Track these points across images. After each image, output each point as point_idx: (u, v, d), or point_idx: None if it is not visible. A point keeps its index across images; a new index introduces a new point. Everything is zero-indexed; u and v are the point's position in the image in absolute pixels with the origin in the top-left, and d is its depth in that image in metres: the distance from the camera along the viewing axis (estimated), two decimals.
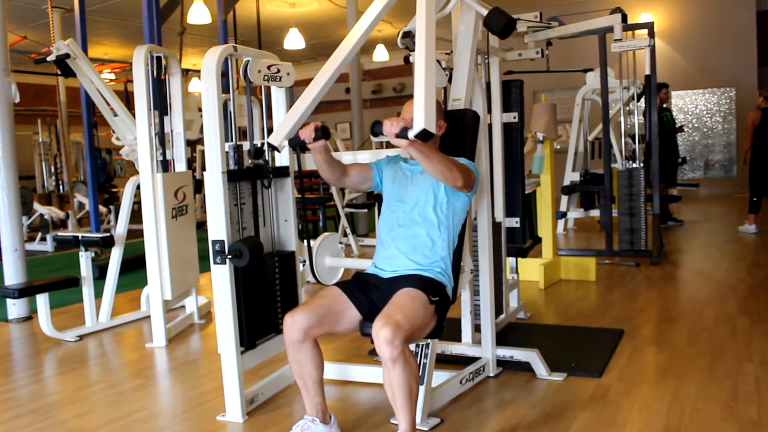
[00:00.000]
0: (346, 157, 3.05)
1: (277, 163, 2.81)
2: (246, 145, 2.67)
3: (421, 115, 1.96)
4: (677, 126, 7.68)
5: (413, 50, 2.52)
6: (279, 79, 2.67)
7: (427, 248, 2.32)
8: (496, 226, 3.23)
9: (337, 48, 2.38)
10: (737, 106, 10.67)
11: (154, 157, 3.52)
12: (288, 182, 2.80)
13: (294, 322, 2.16)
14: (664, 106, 7.65)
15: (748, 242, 6.29)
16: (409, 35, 2.55)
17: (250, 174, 2.64)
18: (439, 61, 2.90)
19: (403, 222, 2.37)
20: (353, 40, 2.40)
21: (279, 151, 2.57)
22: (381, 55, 10.81)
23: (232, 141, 2.99)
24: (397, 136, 2.03)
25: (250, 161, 2.65)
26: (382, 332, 1.95)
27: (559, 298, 4.43)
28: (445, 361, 2.94)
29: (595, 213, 7.03)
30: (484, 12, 2.75)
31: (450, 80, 2.94)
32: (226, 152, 2.49)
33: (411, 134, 1.98)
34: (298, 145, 2.29)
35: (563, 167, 7.31)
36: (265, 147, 2.61)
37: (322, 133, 2.24)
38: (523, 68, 5.66)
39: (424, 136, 1.96)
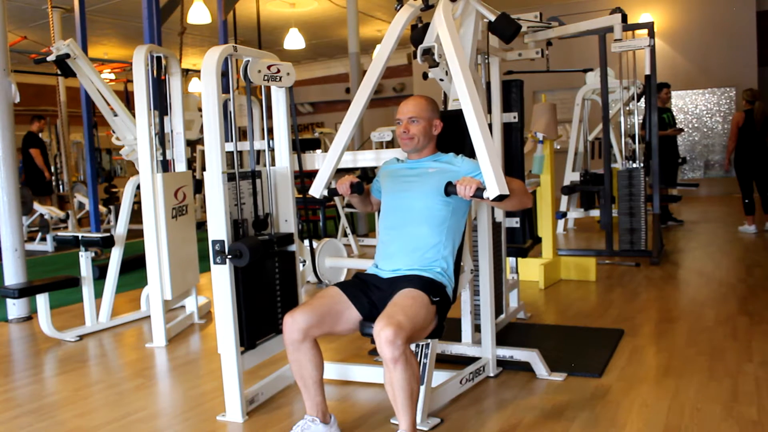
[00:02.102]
0: (347, 157, 3.05)
1: (278, 168, 2.81)
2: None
3: (494, 182, 2.18)
4: (677, 128, 7.67)
5: (432, 66, 2.60)
6: (279, 79, 2.67)
7: (428, 248, 2.32)
8: (496, 226, 3.23)
9: (360, 86, 2.62)
10: (737, 106, 10.66)
11: (154, 157, 3.52)
12: (288, 181, 2.80)
13: (294, 322, 2.16)
14: (666, 106, 7.65)
15: (748, 242, 6.29)
16: (428, 52, 2.59)
17: (258, 254, 2.50)
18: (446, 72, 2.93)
19: (403, 222, 2.37)
20: (373, 78, 2.64)
21: (322, 204, 2.96)
22: None
23: (234, 149, 3.03)
24: (474, 197, 2.22)
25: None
26: (383, 332, 1.95)
27: (559, 298, 4.43)
28: (445, 361, 2.94)
29: (595, 213, 7.03)
30: (491, 17, 2.78)
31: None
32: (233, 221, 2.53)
33: (487, 195, 2.20)
34: (336, 195, 2.59)
35: (563, 167, 7.31)
36: (268, 220, 2.73)
37: (357, 188, 2.49)
38: (523, 68, 5.66)
39: (500, 198, 2.19)
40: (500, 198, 2.17)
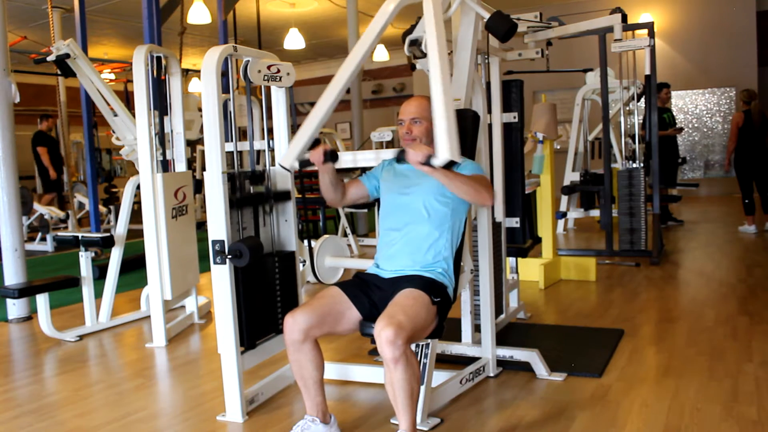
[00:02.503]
0: (346, 157, 3.05)
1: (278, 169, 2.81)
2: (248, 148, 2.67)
3: (445, 145, 2.00)
4: (677, 127, 7.67)
5: (419, 58, 2.56)
6: (279, 79, 2.67)
7: (429, 248, 2.32)
8: (496, 226, 3.23)
9: (342, 64, 2.39)
10: (737, 106, 10.64)
11: (154, 157, 3.52)
12: (288, 181, 2.80)
13: (294, 323, 2.16)
14: (666, 106, 7.65)
15: (748, 242, 6.29)
16: (415, 43, 2.56)
17: (252, 201, 2.64)
18: None
19: (404, 222, 2.37)
20: (358, 55, 2.39)
21: (290, 172, 2.68)
22: (381, 55, 10.81)
23: (234, 149, 3.01)
24: (422, 164, 2.06)
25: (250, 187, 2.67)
26: (384, 332, 1.95)
27: (559, 298, 4.43)
28: (445, 361, 2.94)
29: (595, 213, 7.03)
30: (486, 14, 2.75)
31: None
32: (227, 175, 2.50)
33: (436, 162, 2.03)
34: (307, 166, 2.37)
35: (563, 167, 7.31)
36: (266, 171, 2.66)
37: (331, 156, 2.31)
38: (523, 68, 5.66)
39: (449, 165, 2.02)
40: (450, 165, 2.02)
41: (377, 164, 2.62)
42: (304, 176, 2.87)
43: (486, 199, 2.26)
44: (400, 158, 2.14)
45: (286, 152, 2.39)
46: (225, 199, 2.42)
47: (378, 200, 2.58)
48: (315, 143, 2.32)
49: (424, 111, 2.42)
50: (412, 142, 2.16)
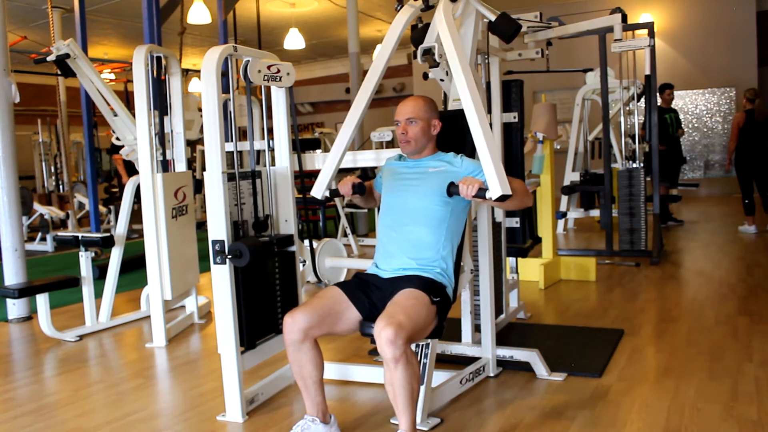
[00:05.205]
0: (346, 157, 3.05)
1: (278, 168, 2.81)
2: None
3: (496, 182, 2.17)
4: (680, 129, 7.68)
5: (433, 66, 2.60)
6: (279, 79, 2.67)
7: (428, 248, 2.32)
8: (496, 226, 3.23)
9: (361, 87, 2.62)
10: (737, 106, 10.65)
11: (154, 157, 3.52)
12: (288, 181, 2.80)
13: (294, 323, 2.16)
14: (670, 106, 7.65)
15: (748, 242, 6.29)
16: (429, 52, 2.59)
17: (258, 255, 2.49)
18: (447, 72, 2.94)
19: (403, 222, 2.37)
20: (374, 76, 2.64)
21: (323, 204, 2.96)
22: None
23: (234, 149, 3.02)
24: (476, 197, 2.21)
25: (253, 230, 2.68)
26: (384, 332, 1.95)
27: (559, 298, 4.43)
28: (445, 361, 2.94)
29: (595, 213, 7.03)
30: (491, 17, 2.77)
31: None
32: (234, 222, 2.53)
33: (492, 196, 2.18)
34: (338, 196, 2.60)
35: (563, 167, 7.31)
36: (269, 221, 2.73)
37: (358, 189, 2.51)
38: (523, 68, 5.66)
39: (502, 199, 2.17)
40: (503, 198, 2.17)
41: (377, 164, 2.65)
42: (305, 176, 2.88)
43: (529, 202, 2.39)
44: (453, 192, 2.28)
45: (316, 185, 2.61)
46: (225, 199, 2.42)
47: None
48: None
49: (420, 111, 2.42)
50: (467, 181, 2.24)
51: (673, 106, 7.85)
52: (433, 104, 2.48)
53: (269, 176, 2.75)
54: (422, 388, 2.32)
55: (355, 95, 2.65)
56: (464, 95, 2.33)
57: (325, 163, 2.63)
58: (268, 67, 2.61)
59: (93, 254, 4.07)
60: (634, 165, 5.62)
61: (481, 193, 2.19)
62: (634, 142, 6.02)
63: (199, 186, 6.50)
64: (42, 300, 3.66)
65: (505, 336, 3.41)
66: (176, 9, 6.48)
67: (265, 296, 2.65)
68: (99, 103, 4.34)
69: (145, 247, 3.51)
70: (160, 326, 3.62)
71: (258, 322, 2.60)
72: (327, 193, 2.59)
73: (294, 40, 9.74)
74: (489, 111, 3.29)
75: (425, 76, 2.86)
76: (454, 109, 2.67)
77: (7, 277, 4.37)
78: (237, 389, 2.48)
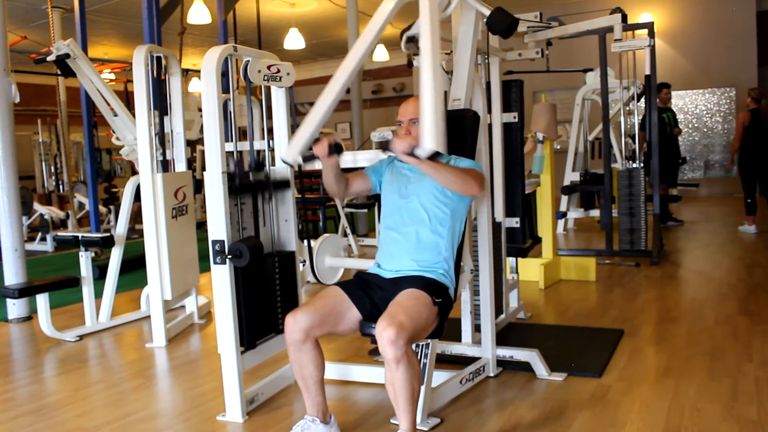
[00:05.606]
0: (346, 157, 3.04)
1: (278, 168, 2.81)
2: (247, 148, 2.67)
3: (431, 136, 1.98)
4: (676, 128, 7.68)
5: (416, 54, 2.54)
6: (279, 79, 2.67)
7: (430, 248, 2.32)
8: (496, 226, 3.23)
9: (343, 61, 2.36)
10: (737, 106, 10.66)
11: (154, 157, 3.52)
12: (288, 181, 2.80)
13: (295, 323, 2.16)
14: (667, 105, 7.65)
15: (748, 242, 6.29)
16: (412, 40, 2.56)
17: (251, 188, 2.63)
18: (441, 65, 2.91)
19: (405, 222, 2.37)
20: (359, 52, 2.36)
21: (294, 168, 2.66)
22: (381, 55, 10.81)
23: (234, 149, 3.00)
24: (407, 154, 2.05)
25: (251, 174, 2.66)
26: (385, 332, 1.95)
27: (559, 298, 4.43)
28: (445, 361, 2.94)
29: (595, 213, 7.03)
30: (486, 12, 2.74)
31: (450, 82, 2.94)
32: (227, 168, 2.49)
33: (421, 153, 2.01)
34: (311, 161, 2.32)
35: (563, 167, 7.31)
36: (266, 160, 2.65)
37: (336, 149, 2.27)
38: (523, 68, 5.66)
39: (434, 156, 2.00)
40: (434, 156, 2.00)
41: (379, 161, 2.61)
42: (304, 176, 2.87)
43: (474, 188, 2.22)
44: (385, 148, 2.12)
45: (288, 148, 2.34)
46: (225, 199, 2.42)
47: (378, 197, 2.58)
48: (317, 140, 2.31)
49: None
50: (404, 135, 2.13)
51: (673, 106, 7.85)
52: None
53: (269, 176, 2.75)
54: (422, 388, 2.32)
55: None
56: (425, 44, 2.16)
57: (300, 127, 2.32)
58: (268, 67, 2.61)
59: (93, 254, 4.07)
60: (634, 165, 5.62)
61: (413, 151, 2.03)
62: (634, 142, 6.02)
63: (199, 186, 6.49)
64: (42, 300, 3.66)
65: (505, 336, 3.41)
66: (176, 9, 6.48)
67: (265, 296, 2.65)
68: (99, 103, 4.34)
69: (145, 247, 3.51)
70: (160, 326, 3.62)
71: (258, 322, 2.60)
72: (300, 159, 2.29)
73: (294, 40, 9.73)
74: (489, 111, 3.29)
75: (409, 63, 2.83)
76: (453, 109, 2.67)
77: (7, 277, 4.37)
78: (237, 389, 2.48)
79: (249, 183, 2.63)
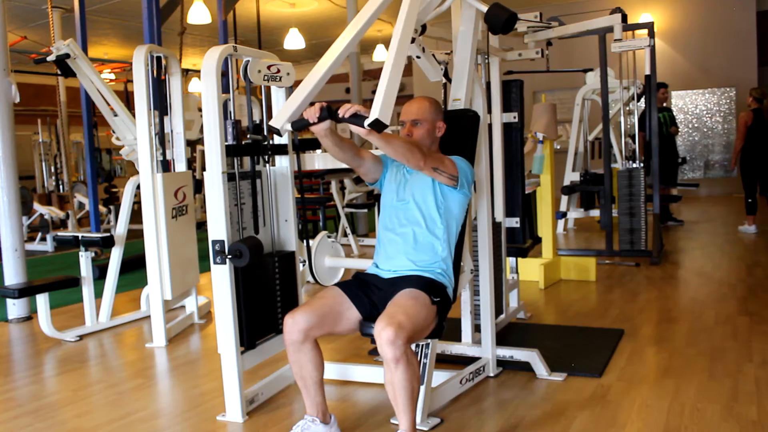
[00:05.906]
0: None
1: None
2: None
3: (377, 105, 1.91)
4: (673, 127, 7.67)
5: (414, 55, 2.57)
6: (279, 79, 2.67)
7: (426, 249, 2.32)
8: (496, 226, 3.23)
9: (344, 31, 2.29)
10: (737, 106, 10.65)
11: (154, 157, 3.52)
12: (288, 181, 2.80)
13: (294, 323, 2.16)
14: (664, 105, 7.65)
15: (748, 242, 6.29)
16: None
17: (248, 150, 2.63)
18: (433, 55, 2.92)
19: (403, 222, 2.37)
20: (361, 21, 2.30)
21: (281, 135, 2.59)
22: (381, 55, 10.81)
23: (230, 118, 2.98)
24: (350, 121, 1.96)
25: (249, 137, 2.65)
26: (384, 332, 1.95)
27: (559, 298, 4.43)
28: (445, 361, 2.94)
29: (595, 213, 7.03)
30: (484, 9, 2.73)
31: (445, 75, 2.94)
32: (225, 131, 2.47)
33: (365, 122, 1.93)
34: (302, 128, 2.13)
35: (563, 167, 7.30)
36: (264, 125, 2.62)
37: (328, 112, 2.07)
38: (523, 68, 5.65)
39: (376, 125, 1.91)
40: (377, 126, 1.91)
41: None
42: (304, 176, 2.87)
43: (420, 160, 2.14)
44: (330, 111, 2.03)
45: (277, 114, 2.17)
46: (225, 199, 2.42)
47: (377, 197, 2.58)
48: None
49: (426, 113, 2.42)
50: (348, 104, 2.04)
51: (673, 106, 7.85)
52: (439, 106, 2.48)
53: (269, 176, 2.75)
54: (422, 388, 2.32)
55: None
56: (397, 26, 2.15)
57: (291, 95, 2.20)
58: (268, 67, 2.61)
59: (93, 254, 4.07)
60: (634, 165, 5.62)
61: (359, 120, 1.94)
62: (634, 142, 6.02)
63: (199, 186, 6.50)
64: (42, 300, 3.66)
65: (505, 336, 3.41)
66: (176, 9, 6.48)
67: (265, 296, 2.65)
68: (99, 103, 4.34)
69: (145, 247, 3.51)
70: (160, 326, 3.62)
71: (258, 322, 2.60)
72: (288, 126, 2.15)
73: (294, 40, 9.73)
74: (489, 111, 3.29)
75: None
76: (453, 109, 2.67)
77: (7, 277, 4.37)
78: (237, 389, 2.48)
79: (247, 145, 2.61)
